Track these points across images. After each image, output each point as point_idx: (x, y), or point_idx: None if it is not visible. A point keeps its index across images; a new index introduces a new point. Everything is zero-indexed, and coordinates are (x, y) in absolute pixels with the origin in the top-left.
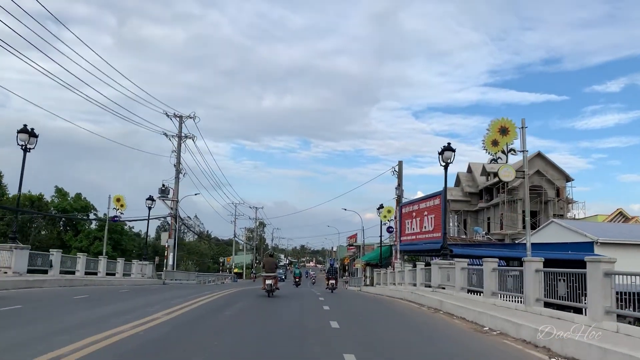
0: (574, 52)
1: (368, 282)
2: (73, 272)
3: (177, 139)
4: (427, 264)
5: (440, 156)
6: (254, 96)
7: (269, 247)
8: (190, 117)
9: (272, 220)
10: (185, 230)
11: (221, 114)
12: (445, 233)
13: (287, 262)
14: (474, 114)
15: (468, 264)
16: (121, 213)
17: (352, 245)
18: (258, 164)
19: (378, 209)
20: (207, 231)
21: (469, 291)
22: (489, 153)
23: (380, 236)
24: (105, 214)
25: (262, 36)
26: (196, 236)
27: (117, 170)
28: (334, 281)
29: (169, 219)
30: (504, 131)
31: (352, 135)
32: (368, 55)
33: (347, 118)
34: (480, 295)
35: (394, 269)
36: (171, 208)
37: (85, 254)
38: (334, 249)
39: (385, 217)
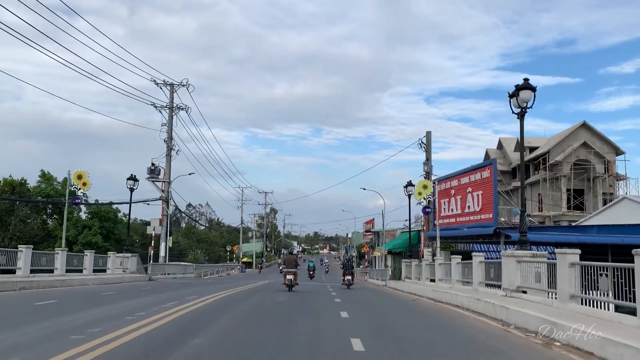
0: (588, 33)
1: (391, 274)
2: (13, 271)
3: (168, 111)
4: (465, 254)
5: (513, 100)
6: (266, 84)
7: (281, 235)
8: (183, 85)
9: (283, 206)
10: (198, 217)
11: (233, 102)
12: (496, 214)
13: (300, 249)
14: (487, 98)
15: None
16: (83, 194)
17: (369, 232)
18: (270, 152)
19: (405, 186)
20: (218, 219)
21: (583, 301)
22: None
23: (410, 219)
24: (64, 197)
25: (272, 24)
26: (207, 224)
27: (132, 159)
28: (350, 277)
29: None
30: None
31: (364, 121)
32: (379, 40)
33: (359, 104)
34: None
35: (423, 260)
36: (162, 190)
37: (31, 246)
38: (349, 236)
39: (420, 194)
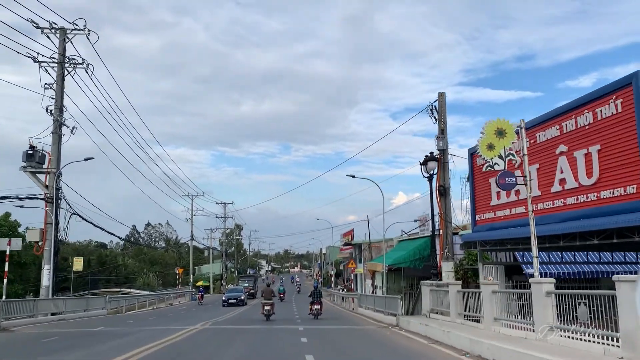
0: (547, 48)
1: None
2: None
3: (57, 67)
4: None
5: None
6: (232, 102)
7: (247, 253)
8: (79, 31)
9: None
10: (157, 237)
11: (199, 121)
12: None
13: (269, 268)
14: (451, 114)
15: None
16: None
17: (348, 245)
18: (238, 170)
19: (424, 162)
20: (176, 238)
21: None
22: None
23: (432, 214)
24: None
25: (237, 42)
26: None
27: (97, 183)
28: (318, 306)
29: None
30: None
31: (333, 138)
32: (344, 58)
33: (327, 121)
34: None
35: (450, 282)
36: (46, 186)
37: None
38: (324, 252)
39: (490, 149)
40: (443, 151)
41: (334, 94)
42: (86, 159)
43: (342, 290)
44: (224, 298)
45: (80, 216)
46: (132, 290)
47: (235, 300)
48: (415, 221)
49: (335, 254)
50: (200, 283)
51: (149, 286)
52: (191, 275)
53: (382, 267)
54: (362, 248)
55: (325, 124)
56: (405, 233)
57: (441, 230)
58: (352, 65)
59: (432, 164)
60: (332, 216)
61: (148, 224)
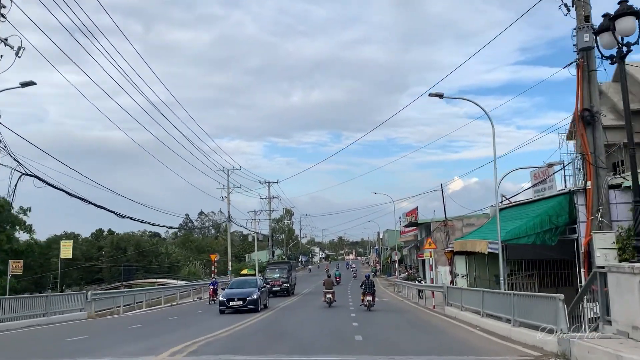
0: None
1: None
2: None
3: None
4: None
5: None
6: (282, 93)
7: (299, 238)
8: None
9: (301, 207)
10: (210, 227)
11: (251, 113)
12: None
13: (323, 256)
14: (507, 94)
15: None
16: None
17: (413, 225)
18: (291, 160)
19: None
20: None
21: None
22: None
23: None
24: None
25: (286, 32)
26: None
27: (154, 176)
28: (370, 297)
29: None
30: None
31: (383, 124)
32: (394, 42)
33: (377, 107)
34: None
35: None
36: None
37: None
38: (382, 236)
39: None
40: (587, 51)
41: (383, 79)
42: (23, 84)
43: (400, 279)
44: (221, 299)
45: (39, 178)
46: (170, 281)
47: (240, 304)
48: (549, 165)
49: (394, 239)
50: (245, 271)
51: (194, 275)
52: (229, 262)
53: (484, 246)
54: (430, 229)
55: (375, 111)
56: (507, 199)
57: (589, 182)
58: (402, 49)
59: (628, 23)
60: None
61: (201, 213)
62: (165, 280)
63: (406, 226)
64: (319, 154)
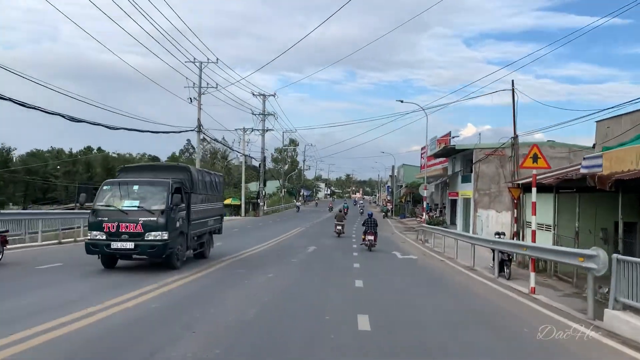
0: None
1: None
2: None
3: None
4: None
5: None
6: (299, 25)
7: (302, 170)
8: None
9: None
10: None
11: (266, 45)
12: None
13: (328, 192)
14: (529, 41)
15: None
16: None
17: (443, 155)
18: (304, 97)
19: None
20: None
21: None
22: None
23: None
24: None
25: None
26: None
27: (166, 102)
28: (372, 237)
29: None
30: None
31: (400, 65)
32: None
33: (395, 47)
34: None
35: None
36: None
37: None
38: (397, 172)
39: None
40: None
41: (404, 18)
42: None
43: (423, 222)
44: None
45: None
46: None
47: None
48: None
49: (411, 175)
50: (228, 201)
51: None
52: None
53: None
54: (470, 159)
55: (393, 50)
56: None
57: None
58: None
59: None
60: (397, 146)
61: (203, 139)
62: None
63: (435, 155)
64: (333, 91)
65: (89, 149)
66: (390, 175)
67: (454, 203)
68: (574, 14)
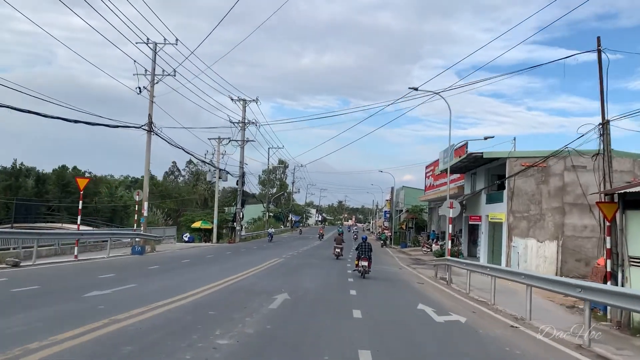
0: (632, 6)
1: None
2: None
3: None
4: None
5: None
6: (293, 54)
7: (291, 192)
8: None
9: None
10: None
11: (260, 72)
12: None
13: (320, 218)
14: (521, 74)
15: None
16: None
17: (460, 170)
18: (297, 124)
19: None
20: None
21: None
22: None
23: None
24: None
25: None
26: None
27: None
28: (366, 263)
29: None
30: None
31: (393, 94)
32: (410, 10)
33: (388, 76)
34: None
35: None
36: None
37: None
38: (395, 196)
39: None
40: None
41: (397, 48)
42: None
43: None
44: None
45: None
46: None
47: None
48: None
49: (413, 199)
50: (197, 224)
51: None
52: (145, 203)
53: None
54: (497, 173)
55: (385, 80)
56: None
57: None
58: (419, 18)
59: None
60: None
61: (190, 161)
62: (74, 225)
63: (452, 170)
64: (326, 119)
65: (64, 167)
66: (387, 200)
67: (472, 229)
68: (563, 48)
